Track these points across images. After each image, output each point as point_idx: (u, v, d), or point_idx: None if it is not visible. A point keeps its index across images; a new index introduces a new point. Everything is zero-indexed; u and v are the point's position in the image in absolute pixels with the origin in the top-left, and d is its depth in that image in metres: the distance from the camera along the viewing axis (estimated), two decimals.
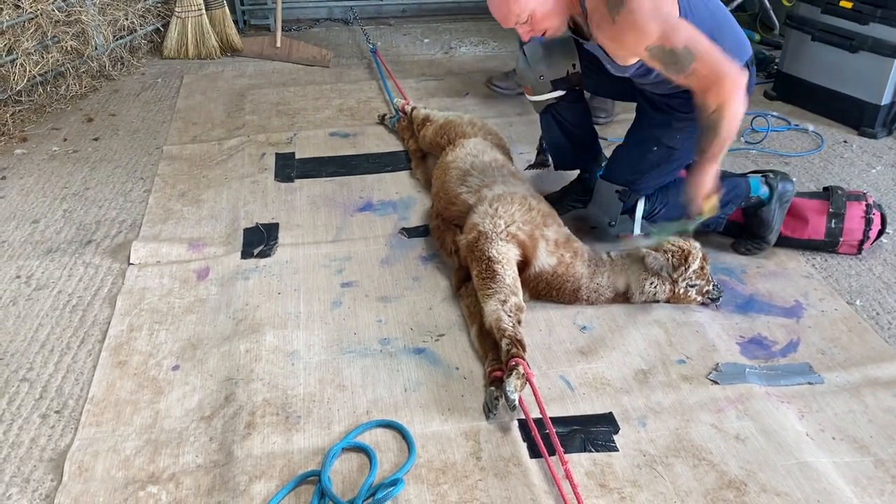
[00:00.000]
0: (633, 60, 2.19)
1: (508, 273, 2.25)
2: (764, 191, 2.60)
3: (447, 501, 1.79)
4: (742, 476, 1.85)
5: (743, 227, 2.69)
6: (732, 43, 2.30)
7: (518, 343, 2.07)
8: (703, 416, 2.03)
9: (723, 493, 1.81)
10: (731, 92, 2.05)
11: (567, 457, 1.89)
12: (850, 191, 2.69)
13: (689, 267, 2.37)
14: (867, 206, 2.63)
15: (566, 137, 2.74)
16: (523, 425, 1.98)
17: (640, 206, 2.58)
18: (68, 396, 2.12)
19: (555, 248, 2.38)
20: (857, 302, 2.48)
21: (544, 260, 2.37)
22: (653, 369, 2.19)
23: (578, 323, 2.37)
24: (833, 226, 2.64)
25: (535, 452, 1.91)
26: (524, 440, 1.95)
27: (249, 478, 1.84)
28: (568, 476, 1.79)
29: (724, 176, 2.53)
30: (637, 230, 2.61)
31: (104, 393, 2.12)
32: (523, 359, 2.03)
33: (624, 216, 2.60)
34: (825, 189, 2.73)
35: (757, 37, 4.66)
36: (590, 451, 1.92)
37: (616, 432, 1.98)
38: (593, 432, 1.97)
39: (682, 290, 2.39)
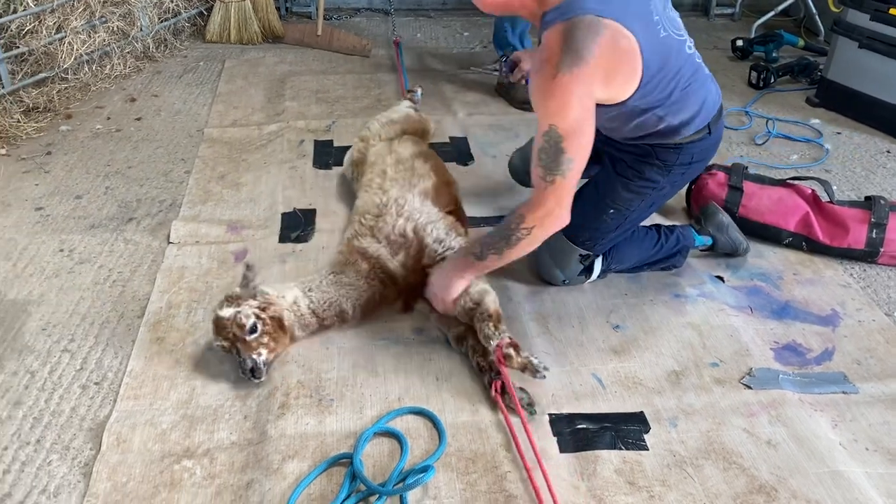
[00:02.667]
0: (539, 118, 1.97)
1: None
2: (707, 239, 2.62)
3: (476, 490, 1.80)
4: (773, 482, 1.85)
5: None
6: (690, 112, 2.21)
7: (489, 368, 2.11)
8: (734, 419, 2.02)
9: (752, 498, 1.80)
10: (552, 223, 2.03)
11: (597, 453, 1.90)
12: (893, 201, 2.66)
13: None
14: None
15: None
16: (554, 420, 1.99)
17: (598, 266, 2.49)
18: (107, 369, 2.17)
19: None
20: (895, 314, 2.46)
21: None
22: (685, 371, 2.19)
23: (612, 322, 2.37)
24: (874, 236, 2.61)
25: (564, 447, 1.92)
26: (554, 434, 1.96)
27: (283, 457, 1.87)
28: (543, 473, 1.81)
29: (672, 228, 2.56)
30: (590, 282, 2.54)
31: (142, 367, 2.16)
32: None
33: (580, 276, 2.50)
34: (867, 198, 2.70)
35: (801, 42, 4.60)
36: (620, 448, 1.92)
37: (647, 431, 1.98)
38: (624, 430, 1.98)
39: None
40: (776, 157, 3.43)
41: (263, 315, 2.09)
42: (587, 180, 2.44)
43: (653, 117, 2.15)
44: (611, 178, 2.37)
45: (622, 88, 2.02)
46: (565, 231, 2.30)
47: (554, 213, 2.01)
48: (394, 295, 2.33)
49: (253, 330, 2.05)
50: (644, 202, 2.37)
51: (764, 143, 3.55)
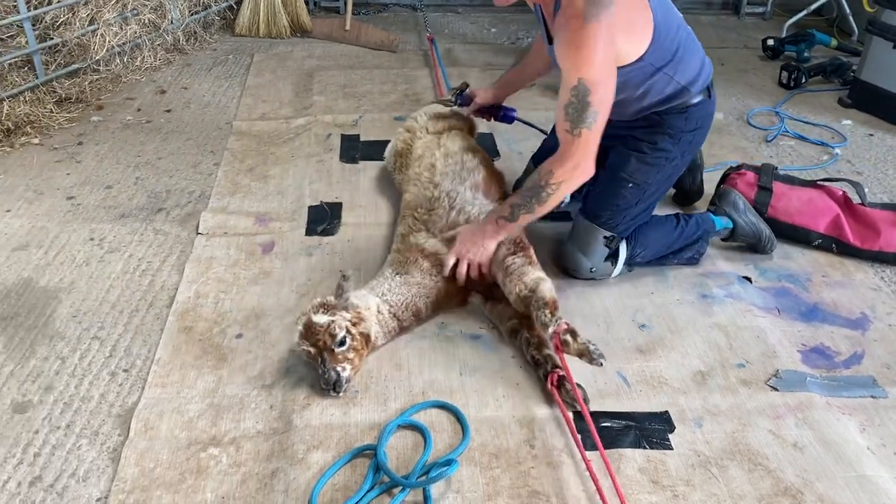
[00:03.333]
0: (565, 74, 2.08)
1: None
2: (726, 221, 2.62)
3: (499, 485, 1.80)
4: (798, 484, 1.83)
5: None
6: (694, 71, 2.32)
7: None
8: (760, 421, 2.01)
9: (778, 500, 1.79)
10: (578, 177, 2.15)
11: (620, 452, 1.90)
12: None
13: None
14: None
15: None
16: (578, 417, 1.99)
17: (623, 251, 2.48)
18: (136, 357, 2.20)
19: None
20: None
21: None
22: (711, 371, 2.17)
23: (637, 321, 2.36)
24: None
25: (588, 445, 1.91)
26: (578, 432, 1.95)
27: (307, 447, 1.89)
28: (610, 471, 1.80)
29: (690, 215, 2.58)
30: (617, 272, 2.52)
31: (170, 356, 2.19)
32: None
33: (606, 263, 2.49)
34: None
35: (833, 42, 4.54)
36: (644, 447, 1.92)
37: (671, 431, 1.97)
38: (648, 429, 1.97)
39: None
40: (805, 158, 3.39)
41: (353, 330, 2.07)
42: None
43: (664, 77, 2.26)
44: (623, 154, 2.42)
45: (640, 40, 2.15)
46: (587, 214, 2.42)
47: (581, 166, 2.12)
48: (456, 289, 2.34)
49: (342, 343, 2.03)
50: (660, 174, 2.41)
51: (772, 139, 3.52)
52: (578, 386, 2.00)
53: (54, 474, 1.83)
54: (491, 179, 2.61)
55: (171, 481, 1.81)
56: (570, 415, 1.97)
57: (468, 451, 1.89)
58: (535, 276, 2.19)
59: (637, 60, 2.19)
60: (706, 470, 1.86)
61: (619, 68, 2.14)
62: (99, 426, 1.97)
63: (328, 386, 2.01)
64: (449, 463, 1.80)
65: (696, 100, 2.36)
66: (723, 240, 2.66)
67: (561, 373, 2.03)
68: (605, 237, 2.43)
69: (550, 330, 2.04)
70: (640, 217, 2.47)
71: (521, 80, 2.90)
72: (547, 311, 2.07)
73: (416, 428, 1.96)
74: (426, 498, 1.75)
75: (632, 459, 1.88)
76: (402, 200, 2.64)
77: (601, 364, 1.96)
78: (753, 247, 2.67)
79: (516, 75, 2.88)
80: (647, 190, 2.42)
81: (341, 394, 2.03)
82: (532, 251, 2.29)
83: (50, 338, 2.26)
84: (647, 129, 2.38)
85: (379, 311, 2.18)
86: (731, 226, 2.62)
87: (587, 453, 1.89)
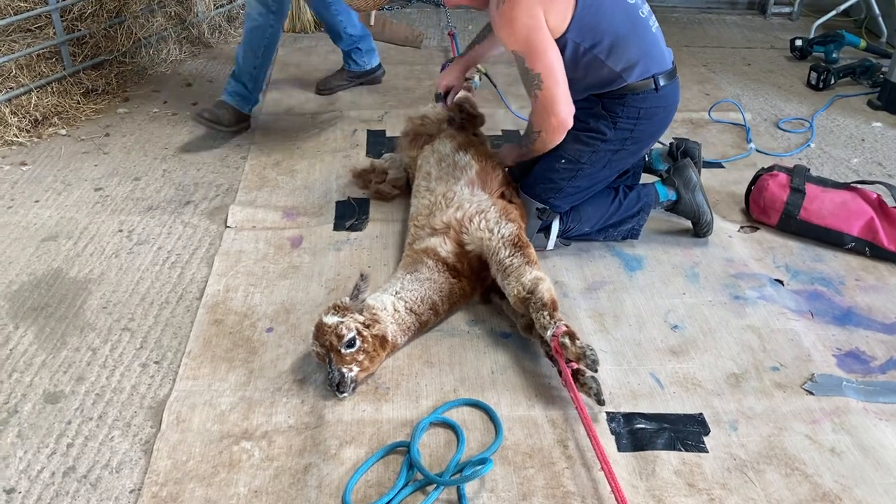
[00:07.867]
0: (505, 48, 2.33)
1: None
2: (671, 193, 2.69)
3: (533, 486, 1.79)
4: (837, 490, 1.80)
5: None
6: (631, 60, 2.35)
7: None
8: (796, 425, 1.98)
9: None
10: (553, 130, 2.37)
11: (656, 454, 1.88)
12: None
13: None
14: None
15: None
16: (612, 419, 1.97)
17: (556, 226, 2.59)
18: (167, 349, 2.20)
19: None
20: None
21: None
22: (745, 374, 2.15)
23: (670, 322, 2.34)
24: None
25: (623, 446, 1.90)
26: (612, 433, 1.94)
27: (340, 442, 1.88)
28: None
29: (633, 186, 2.66)
30: (551, 245, 2.62)
31: (201, 348, 2.19)
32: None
33: (539, 234, 2.60)
34: None
35: (862, 43, 4.48)
36: (679, 449, 1.90)
37: (706, 434, 1.95)
38: (683, 432, 1.95)
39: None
40: (835, 159, 3.36)
41: (365, 332, 2.04)
42: None
43: (596, 60, 2.34)
44: None
45: (561, 17, 2.24)
46: (523, 186, 2.56)
47: (549, 121, 2.35)
48: (469, 287, 2.33)
49: (350, 344, 2.00)
50: (595, 156, 2.46)
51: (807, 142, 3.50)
52: (593, 379, 1.97)
53: (87, 465, 1.83)
54: (486, 172, 2.56)
55: (203, 474, 1.80)
56: (588, 412, 1.92)
57: (501, 449, 1.88)
58: (532, 277, 2.16)
59: (560, 37, 2.27)
60: (742, 474, 1.84)
61: None
62: (131, 418, 1.97)
63: (332, 386, 1.99)
64: (483, 462, 1.78)
65: (635, 87, 2.39)
66: (665, 209, 2.72)
67: (576, 366, 2.00)
68: (537, 209, 2.52)
69: (549, 333, 2.01)
70: (577, 196, 2.55)
71: (485, 53, 2.88)
72: (545, 314, 2.05)
73: (448, 426, 1.95)
74: (460, 497, 1.74)
75: (667, 462, 1.86)
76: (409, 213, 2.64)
77: (596, 370, 1.93)
78: (693, 225, 2.74)
79: (482, 50, 2.85)
80: (582, 170, 2.48)
81: (346, 394, 2.01)
82: (531, 249, 2.27)
83: (81, 329, 2.26)
84: (587, 110, 2.45)
85: (395, 310, 2.16)
86: (674, 198, 2.68)
87: (621, 455, 1.88)
